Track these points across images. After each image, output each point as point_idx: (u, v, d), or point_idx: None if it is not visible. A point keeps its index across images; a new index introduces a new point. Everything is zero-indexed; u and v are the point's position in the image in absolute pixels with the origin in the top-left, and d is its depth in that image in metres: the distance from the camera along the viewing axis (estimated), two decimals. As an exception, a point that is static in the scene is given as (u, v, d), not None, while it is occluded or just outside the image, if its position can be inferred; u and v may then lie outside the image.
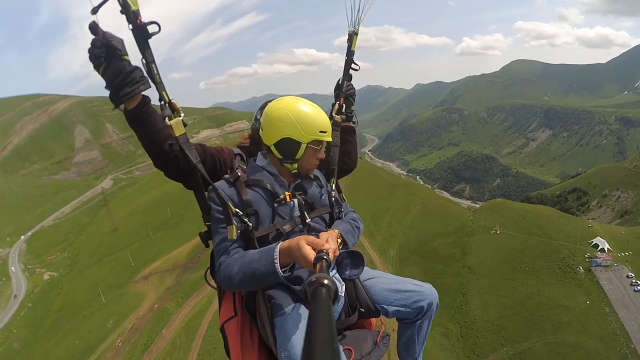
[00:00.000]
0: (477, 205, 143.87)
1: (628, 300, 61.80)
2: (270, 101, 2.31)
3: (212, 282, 2.25)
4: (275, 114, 2.06)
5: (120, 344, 64.76)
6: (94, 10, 1.71)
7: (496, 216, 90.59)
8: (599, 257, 70.37)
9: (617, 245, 74.91)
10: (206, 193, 2.14)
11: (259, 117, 2.42)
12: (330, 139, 2.17)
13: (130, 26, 1.80)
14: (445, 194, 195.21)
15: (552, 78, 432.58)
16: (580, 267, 68.97)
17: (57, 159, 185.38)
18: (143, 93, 1.94)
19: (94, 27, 1.73)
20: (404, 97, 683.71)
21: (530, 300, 62.36)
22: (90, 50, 1.75)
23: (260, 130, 2.16)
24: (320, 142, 2.13)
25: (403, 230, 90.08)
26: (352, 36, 2.83)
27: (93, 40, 1.74)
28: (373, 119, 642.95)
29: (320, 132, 2.07)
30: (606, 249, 72.96)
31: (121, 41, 1.80)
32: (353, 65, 2.92)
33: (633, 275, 66.78)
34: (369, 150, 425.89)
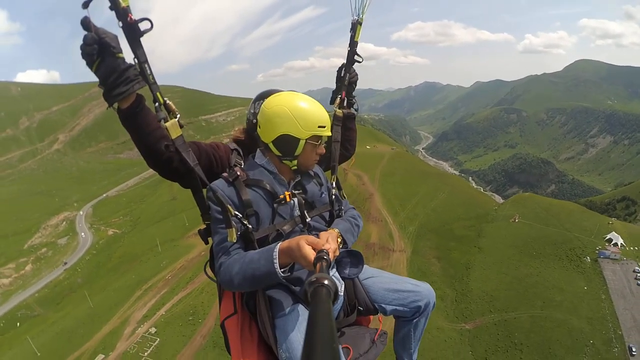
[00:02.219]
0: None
1: (628, 292, 64.29)
2: (265, 93, 2.44)
3: (212, 275, 2.25)
4: (272, 111, 2.02)
5: (169, 278, 78.73)
6: (85, 5, 1.63)
7: (520, 207, 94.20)
8: (608, 250, 72.86)
9: (633, 242, 76.53)
10: (204, 190, 2.17)
11: (252, 110, 2.50)
12: (329, 134, 2.13)
13: (120, 24, 1.74)
14: (497, 197, 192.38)
15: (617, 80, 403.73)
16: (588, 257, 72.04)
17: (122, 140, 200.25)
18: (138, 92, 1.88)
19: (86, 23, 1.66)
20: (462, 95, 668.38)
21: (528, 279, 67.07)
22: (81, 47, 1.69)
23: (258, 127, 2.12)
24: (319, 137, 2.08)
25: (426, 212, 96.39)
26: (355, 26, 2.74)
27: (85, 36, 1.67)
28: (429, 116, 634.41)
29: (319, 127, 2.03)
30: (619, 244, 75.06)
31: (115, 38, 1.72)
32: (356, 57, 2.84)
33: None
34: (422, 148, 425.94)
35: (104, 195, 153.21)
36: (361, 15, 2.69)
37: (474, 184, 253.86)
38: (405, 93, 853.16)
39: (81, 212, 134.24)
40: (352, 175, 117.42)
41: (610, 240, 76.80)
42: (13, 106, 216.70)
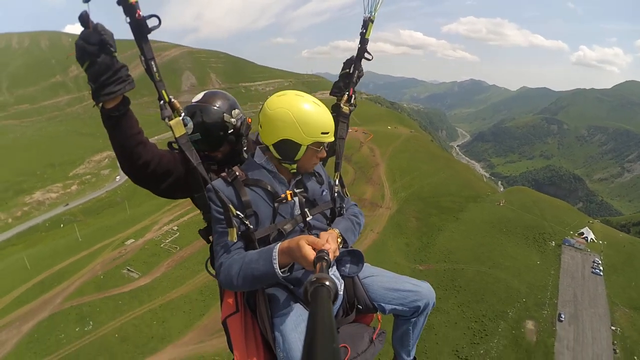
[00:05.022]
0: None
1: (579, 275, 70.48)
2: (211, 94, 2.43)
3: (213, 271, 2.24)
4: (275, 113, 1.94)
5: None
6: None
7: (511, 196, 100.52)
8: (574, 239, 78.85)
9: (604, 240, 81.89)
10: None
11: (217, 106, 2.39)
12: (332, 139, 2.07)
13: (128, 19, 1.69)
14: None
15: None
16: (553, 242, 78.51)
17: None
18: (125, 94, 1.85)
19: (85, 19, 1.58)
20: (506, 98, 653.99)
21: (488, 246, 74.55)
22: (81, 46, 1.63)
23: (259, 127, 2.07)
24: (321, 143, 2.03)
25: (421, 185, 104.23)
26: (367, 23, 2.64)
27: (86, 34, 1.62)
28: (469, 114, 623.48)
29: (322, 133, 1.97)
30: (589, 238, 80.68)
31: (112, 35, 1.66)
32: (366, 54, 2.72)
33: (600, 262, 73.99)
34: (457, 145, 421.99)
35: (156, 137, 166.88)
36: (373, 13, 2.62)
37: (501, 188, 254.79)
38: (449, 87, 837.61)
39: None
40: (367, 148, 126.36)
41: (582, 233, 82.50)
42: (63, 55, 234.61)
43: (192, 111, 2.30)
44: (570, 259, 74.75)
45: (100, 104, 1.80)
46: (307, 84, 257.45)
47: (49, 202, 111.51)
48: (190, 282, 59.28)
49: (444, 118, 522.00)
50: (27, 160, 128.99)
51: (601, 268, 72.26)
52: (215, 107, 2.36)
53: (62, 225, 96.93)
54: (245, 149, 2.53)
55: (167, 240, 71.87)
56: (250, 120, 2.56)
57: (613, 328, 59.19)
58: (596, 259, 75.14)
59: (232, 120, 2.40)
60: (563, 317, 60.01)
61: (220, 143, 2.40)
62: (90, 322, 52.76)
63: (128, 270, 63.49)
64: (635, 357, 53.77)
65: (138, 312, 54.41)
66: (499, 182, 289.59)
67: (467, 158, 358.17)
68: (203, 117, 2.30)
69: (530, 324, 57.41)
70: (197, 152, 2.16)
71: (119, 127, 1.86)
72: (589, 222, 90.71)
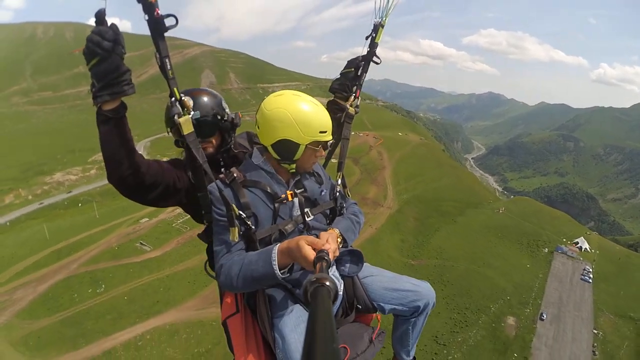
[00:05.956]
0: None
1: (567, 280, 72.63)
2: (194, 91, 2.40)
3: (212, 273, 2.24)
4: (273, 113, 1.95)
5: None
6: None
7: (512, 205, 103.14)
8: (567, 247, 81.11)
9: (599, 250, 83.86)
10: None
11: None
12: (330, 139, 2.07)
13: (147, 17, 1.68)
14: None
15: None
16: (546, 249, 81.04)
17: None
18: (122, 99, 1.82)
19: (102, 16, 1.58)
20: (524, 113, 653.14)
21: (482, 248, 77.57)
22: (95, 41, 1.59)
23: (257, 128, 2.07)
24: (319, 142, 2.03)
25: (425, 189, 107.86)
26: (377, 28, 2.64)
27: (102, 30, 1.59)
28: (486, 128, 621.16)
29: (321, 132, 1.97)
30: (583, 248, 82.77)
31: (124, 37, 1.66)
32: (375, 58, 2.73)
33: (591, 270, 75.86)
34: (472, 158, 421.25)
35: (162, 134, 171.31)
36: (384, 18, 2.61)
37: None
38: (467, 99, 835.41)
39: (141, 144, 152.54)
40: (375, 152, 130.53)
41: (576, 243, 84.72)
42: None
43: (188, 95, 2.28)
44: (560, 265, 77.03)
45: (99, 105, 1.77)
46: (325, 88, 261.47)
47: (68, 183, 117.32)
48: (197, 258, 63.60)
49: (460, 130, 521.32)
50: (49, 145, 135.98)
51: (591, 276, 73.86)
52: (212, 94, 2.46)
53: (79, 205, 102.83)
54: (232, 144, 2.58)
55: (178, 221, 76.67)
56: (241, 115, 2.62)
57: (595, 331, 60.56)
58: (587, 267, 76.94)
59: (227, 110, 2.49)
60: (545, 316, 61.91)
61: (214, 130, 2.42)
62: (103, 285, 57.77)
63: (141, 244, 68.70)
64: (616, 361, 54.70)
65: (146, 279, 59.24)
66: (512, 197, 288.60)
67: (481, 171, 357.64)
68: (199, 101, 2.33)
69: (511, 320, 60.04)
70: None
71: (115, 129, 1.83)
72: (586, 233, 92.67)
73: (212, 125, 2.39)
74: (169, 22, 1.74)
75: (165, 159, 2.45)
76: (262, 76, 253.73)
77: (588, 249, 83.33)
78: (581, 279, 73.28)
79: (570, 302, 66.93)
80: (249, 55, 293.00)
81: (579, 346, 57.63)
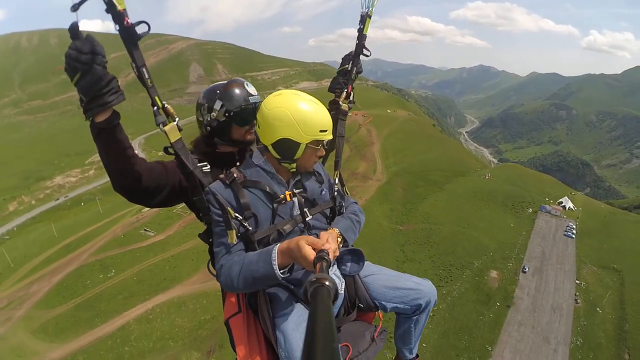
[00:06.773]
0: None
1: (550, 237, 75.31)
2: (219, 86, 2.44)
3: (215, 272, 2.21)
4: (273, 113, 1.95)
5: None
6: (74, 8, 1.48)
7: (499, 171, 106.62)
8: (551, 207, 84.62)
9: (583, 208, 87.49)
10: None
11: (206, 104, 2.45)
12: (330, 137, 2.07)
13: (117, 27, 1.61)
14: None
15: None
16: (530, 209, 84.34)
17: (173, 88, 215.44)
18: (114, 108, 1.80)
19: (75, 30, 1.54)
20: (515, 84, 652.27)
21: (467, 212, 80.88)
22: (74, 57, 1.57)
23: (257, 127, 2.07)
24: (320, 141, 2.03)
25: (413, 161, 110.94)
26: (364, 19, 2.61)
27: (78, 44, 1.57)
28: (479, 101, 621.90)
29: (321, 131, 1.97)
30: (567, 207, 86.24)
31: (102, 46, 1.64)
32: (364, 51, 2.73)
33: (574, 226, 78.23)
34: (465, 132, 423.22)
35: (155, 131, 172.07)
36: (371, 8, 2.59)
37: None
38: (458, 74, 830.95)
39: (135, 141, 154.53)
40: (364, 129, 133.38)
41: (560, 202, 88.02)
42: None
43: (220, 89, 2.40)
44: (544, 223, 79.86)
45: (91, 119, 1.77)
46: (313, 72, 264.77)
47: (69, 186, 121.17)
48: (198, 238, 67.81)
49: (453, 105, 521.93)
50: (44, 152, 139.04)
51: (574, 232, 76.15)
52: (238, 82, 2.46)
53: (82, 204, 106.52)
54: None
55: (178, 207, 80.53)
56: None
57: (577, 282, 63.26)
58: (570, 223, 79.14)
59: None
60: (527, 269, 64.85)
61: (252, 118, 2.35)
62: (112, 270, 61.98)
63: (145, 230, 72.85)
64: (598, 309, 58.14)
65: (153, 260, 63.47)
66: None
67: (475, 144, 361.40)
68: (232, 93, 2.37)
69: (494, 273, 63.79)
70: (222, 133, 2.45)
71: (112, 140, 1.84)
72: (570, 193, 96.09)
73: (253, 111, 2.37)
74: (140, 29, 1.66)
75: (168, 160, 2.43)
76: (250, 65, 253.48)
77: (572, 208, 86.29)
78: (564, 235, 75.58)
79: (553, 256, 69.65)
80: (236, 45, 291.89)
81: (562, 295, 60.65)
